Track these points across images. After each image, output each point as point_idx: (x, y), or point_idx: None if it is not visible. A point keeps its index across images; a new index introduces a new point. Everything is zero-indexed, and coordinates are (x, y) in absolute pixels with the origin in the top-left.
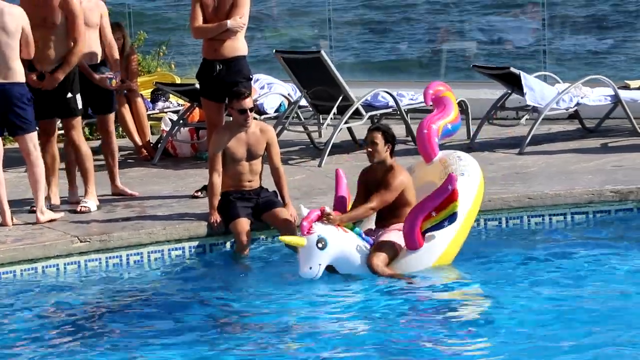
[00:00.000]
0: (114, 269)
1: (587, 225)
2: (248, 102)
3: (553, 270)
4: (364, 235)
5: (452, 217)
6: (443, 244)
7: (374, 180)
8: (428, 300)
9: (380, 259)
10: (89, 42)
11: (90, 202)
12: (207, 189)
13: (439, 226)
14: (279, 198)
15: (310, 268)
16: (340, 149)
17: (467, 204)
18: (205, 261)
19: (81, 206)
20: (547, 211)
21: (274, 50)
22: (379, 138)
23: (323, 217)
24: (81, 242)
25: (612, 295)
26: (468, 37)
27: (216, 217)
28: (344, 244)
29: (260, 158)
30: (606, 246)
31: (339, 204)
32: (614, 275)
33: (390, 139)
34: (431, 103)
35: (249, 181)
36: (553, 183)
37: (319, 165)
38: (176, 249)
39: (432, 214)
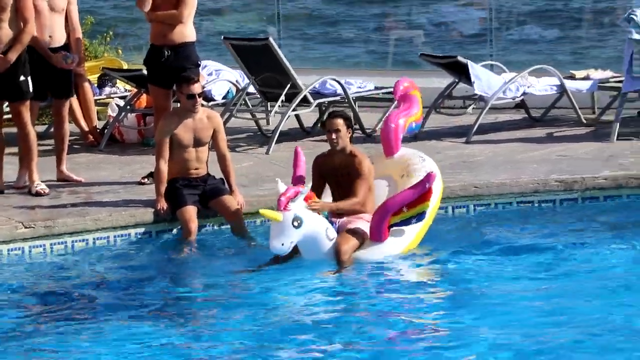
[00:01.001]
0: (59, 255)
1: (532, 214)
2: (197, 88)
3: (497, 259)
4: (330, 219)
5: (420, 215)
6: (406, 240)
7: (330, 167)
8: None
9: (350, 246)
10: (54, 26)
11: (42, 184)
12: (153, 176)
13: (406, 222)
14: (226, 185)
15: (282, 244)
16: (288, 136)
17: (432, 205)
18: (152, 248)
19: (39, 189)
20: (493, 200)
21: (222, 37)
22: (341, 125)
23: (309, 202)
24: (25, 227)
25: (557, 284)
26: (415, 26)
27: (163, 204)
28: (317, 226)
29: (207, 145)
30: (552, 235)
31: (297, 183)
32: (560, 263)
33: (351, 124)
34: (397, 98)
35: (195, 168)
36: (499, 172)
37: (267, 153)
38: (122, 235)
39: (403, 209)
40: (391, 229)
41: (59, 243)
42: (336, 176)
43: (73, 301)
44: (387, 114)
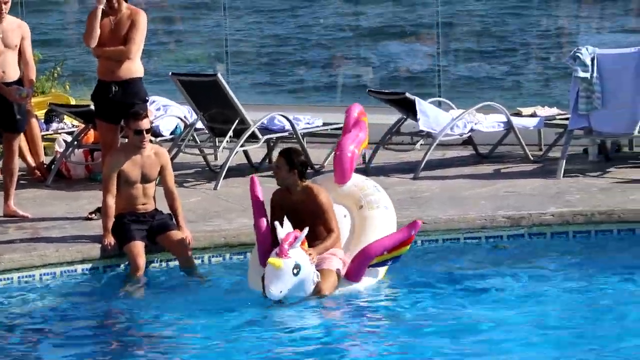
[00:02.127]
0: (4, 291)
1: (480, 250)
2: (145, 123)
3: (444, 294)
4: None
5: (397, 258)
6: (377, 278)
7: (289, 202)
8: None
9: (330, 285)
10: (7, 61)
11: None
12: (101, 211)
13: (383, 264)
14: (174, 221)
15: (280, 292)
16: (236, 172)
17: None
18: (99, 284)
19: None
20: (441, 236)
21: (170, 73)
22: (282, 163)
23: (303, 248)
24: None
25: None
26: (364, 63)
27: (110, 240)
28: (309, 272)
29: (154, 181)
30: (498, 272)
31: (259, 208)
32: (509, 299)
33: (296, 164)
34: (349, 124)
35: (143, 204)
36: (447, 208)
37: (215, 188)
38: (69, 271)
39: (383, 252)
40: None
41: (4, 279)
42: (296, 212)
43: (20, 339)
44: (339, 140)
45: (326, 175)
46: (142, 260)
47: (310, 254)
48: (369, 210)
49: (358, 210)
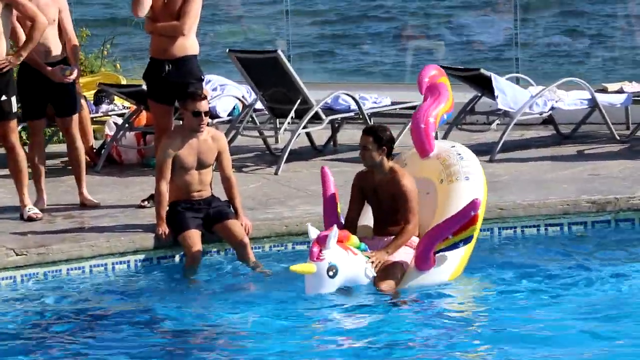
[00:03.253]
0: (54, 284)
1: (562, 238)
2: (204, 105)
3: (524, 286)
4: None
5: (468, 239)
6: (454, 263)
7: (371, 185)
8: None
9: (390, 286)
10: (46, 39)
11: (35, 208)
12: (154, 198)
13: (453, 247)
14: (231, 208)
15: (320, 295)
16: (298, 155)
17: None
18: (153, 276)
19: (32, 213)
20: (520, 223)
21: (228, 50)
22: (370, 142)
23: (346, 247)
24: (17, 255)
25: (587, 315)
26: (435, 37)
27: (164, 229)
28: (354, 269)
29: (211, 167)
30: (582, 261)
31: (330, 204)
32: (591, 293)
33: (385, 142)
34: (423, 91)
35: (198, 191)
36: (526, 193)
37: (276, 173)
38: (121, 262)
39: (448, 237)
40: (437, 254)
41: (53, 271)
42: (377, 196)
43: (69, 333)
44: (416, 110)
45: (412, 150)
46: (198, 250)
47: (372, 256)
48: (448, 184)
49: (439, 185)
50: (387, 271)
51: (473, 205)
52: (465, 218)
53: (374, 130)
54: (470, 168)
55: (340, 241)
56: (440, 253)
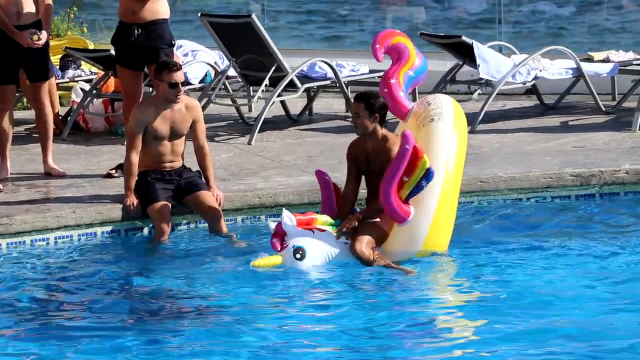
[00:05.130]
0: (17, 255)
1: (544, 211)
2: (180, 75)
3: (508, 261)
4: None
5: (428, 175)
6: (430, 209)
7: (363, 153)
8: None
9: (363, 244)
10: (19, 1)
11: None
12: (122, 168)
13: (417, 189)
14: (203, 179)
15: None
16: (272, 124)
17: (444, 153)
18: (120, 248)
19: None
20: (501, 196)
21: (199, 14)
22: (361, 109)
23: (342, 233)
24: None
25: (565, 291)
26: (415, 3)
27: (133, 200)
28: (323, 245)
29: (184, 137)
30: (565, 235)
31: (328, 205)
32: (573, 268)
33: (377, 108)
34: (383, 58)
35: (170, 161)
36: (508, 165)
37: (249, 143)
38: (87, 234)
39: (404, 179)
40: (409, 203)
41: (16, 243)
42: (369, 164)
43: (32, 306)
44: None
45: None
46: (167, 222)
47: (342, 225)
48: (418, 133)
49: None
50: (359, 232)
51: (404, 138)
52: (404, 156)
53: (365, 96)
54: (436, 110)
55: (306, 224)
56: (411, 199)
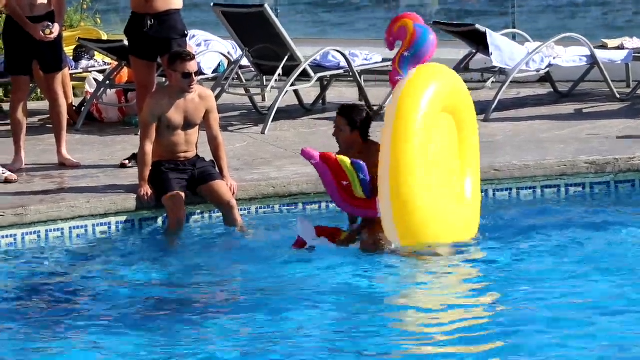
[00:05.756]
0: (31, 246)
1: (559, 200)
2: (193, 65)
3: (521, 250)
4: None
5: (357, 168)
6: (384, 196)
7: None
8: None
9: (377, 238)
10: None
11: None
12: (136, 158)
13: (363, 183)
14: (217, 169)
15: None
16: (285, 114)
17: (386, 137)
18: (135, 238)
19: (7, 176)
20: (515, 184)
21: (212, 4)
22: (342, 122)
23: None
24: None
25: (587, 276)
26: None
27: (147, 190)
28: None
29: (198, 127)
30: (580, 223)
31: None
32: (591, 255)
33: (358, 124)
34: (394, 46)
35: (184, 151)
36: (522, 153)
37: (262, 132)
38: (101, 224)
39: (344, 184)
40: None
41: (31, 233)
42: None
43: (46, 296)
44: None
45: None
46: (181, 212)
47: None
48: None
49: None
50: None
51: (304, 155)
52: (318, 171)
53: (348, 110)
54: (396, 93)
55: (328, 158)
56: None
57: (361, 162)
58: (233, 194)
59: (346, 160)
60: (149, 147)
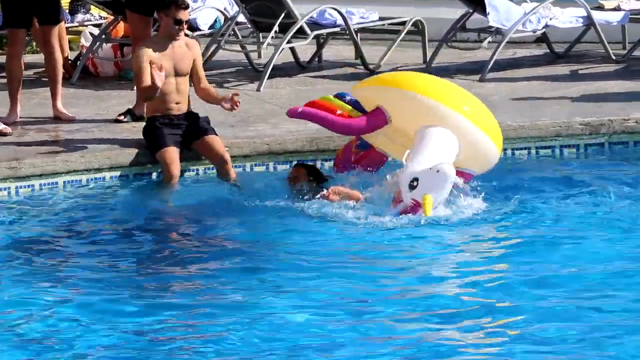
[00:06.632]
0: (25, 199)
1: (553, 161)
2: (186, 14)
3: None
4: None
5: (340, 96)
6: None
7: None
8: None
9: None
10: None
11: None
12: (131, 113)
13: (353, 104)
14: (211, 125)
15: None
16: (281, 71)
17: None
18: (129, 193)
19: (2, 127)
20: (510, 145)
21: None
22: (302, 173)
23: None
24: None
25: (576, 240)
26: None
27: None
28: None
29: (188, 78)
30: (574, 184)
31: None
32: (585, 218)
33: (316, 176)
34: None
35: (176, 102)
36: (517, 114)
37: (258, 90)
38: (96, 179)
39: (338, 114)
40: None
41: (25, 186)
42: None
43: (40, 250)
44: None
45: None
46: (176, 167)
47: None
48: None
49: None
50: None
51: (290, 114)
52: (309, 116)
53: (310, 169)
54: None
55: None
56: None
57: (342, 92)
58: (237, 106)
59: (328, 96)
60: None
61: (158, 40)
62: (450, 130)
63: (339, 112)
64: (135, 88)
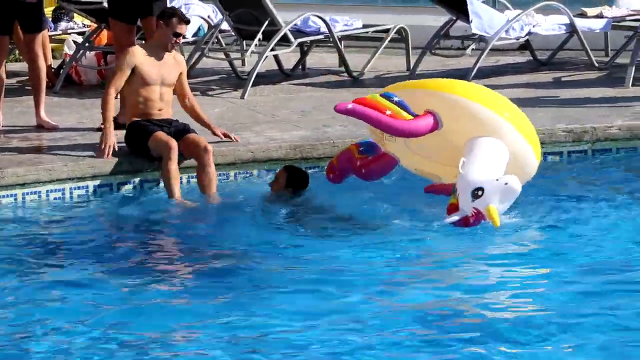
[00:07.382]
0: (8, 209)
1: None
2: (185, 30)
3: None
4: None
5: (388, 97)
6: None
7: None
8: None
9: None
10: None
11: None
12: (115, 122)
13: (402, 106)
14: (205, 126)
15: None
16: (265, 79)
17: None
18: (112, 202)
19: None
20: None
21: None
22: (282, 177)
23: None
24: None
25: (562, 244)
26: None
27: (110, 137)
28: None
29: (171, 89)
30: (556, 192)
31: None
32: (569, 223)
33: (294, 184)
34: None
35: (158, 109)
36: None
37: (242, 97)
38: (79, 187)
39: (387, 114)
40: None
41: (7, 196)
42: None
43: (23, 260)
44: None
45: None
46: (173, 141)
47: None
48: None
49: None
50: None
51: (338, 109)
52: (359, 115)
53: (296, 173)
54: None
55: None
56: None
57: (388, 92)
58: (226, 135)
59: (375, 95)
60: (113, 94)
61: (150, 47)
62: (501, 141)
63: (388, 112)
64: (118, 96)
